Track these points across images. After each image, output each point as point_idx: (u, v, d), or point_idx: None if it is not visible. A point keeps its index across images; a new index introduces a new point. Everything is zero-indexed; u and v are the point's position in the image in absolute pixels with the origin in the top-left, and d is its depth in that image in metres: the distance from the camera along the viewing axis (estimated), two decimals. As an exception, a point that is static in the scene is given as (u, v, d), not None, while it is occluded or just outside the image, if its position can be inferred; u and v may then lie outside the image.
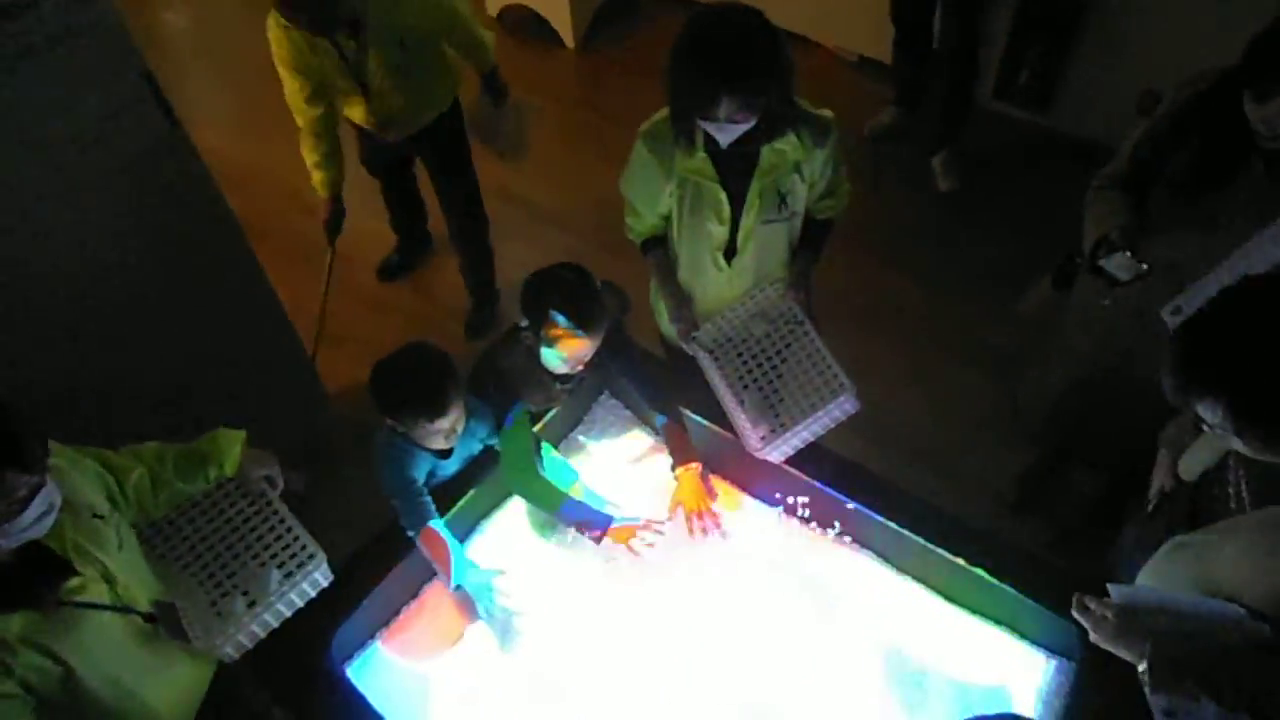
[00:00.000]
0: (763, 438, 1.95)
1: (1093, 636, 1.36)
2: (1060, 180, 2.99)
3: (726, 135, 1.80)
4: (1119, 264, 1.79)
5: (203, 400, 2.55)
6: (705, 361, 2.09)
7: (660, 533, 1.94)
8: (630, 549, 1.91)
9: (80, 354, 2.29)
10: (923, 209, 3.66)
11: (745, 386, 2.04)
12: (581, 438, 2.28)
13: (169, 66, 2.20)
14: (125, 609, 1.46)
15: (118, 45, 2.07)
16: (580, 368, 1.96)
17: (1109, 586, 1.40)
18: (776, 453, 1.97)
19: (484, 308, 3.51)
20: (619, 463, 2.23)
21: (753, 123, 1.77)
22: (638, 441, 2.26)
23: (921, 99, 3.78)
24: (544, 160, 4.11)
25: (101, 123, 2.10)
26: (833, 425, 1.97)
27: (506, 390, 1.98)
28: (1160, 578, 1.44)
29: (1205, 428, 1.23)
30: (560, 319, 1.82)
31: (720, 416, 2.08)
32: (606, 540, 1.92)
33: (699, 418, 2.12)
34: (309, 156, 2.85)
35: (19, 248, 2.08)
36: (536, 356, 1.93)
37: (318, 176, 2.90)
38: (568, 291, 1.84)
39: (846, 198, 2.11)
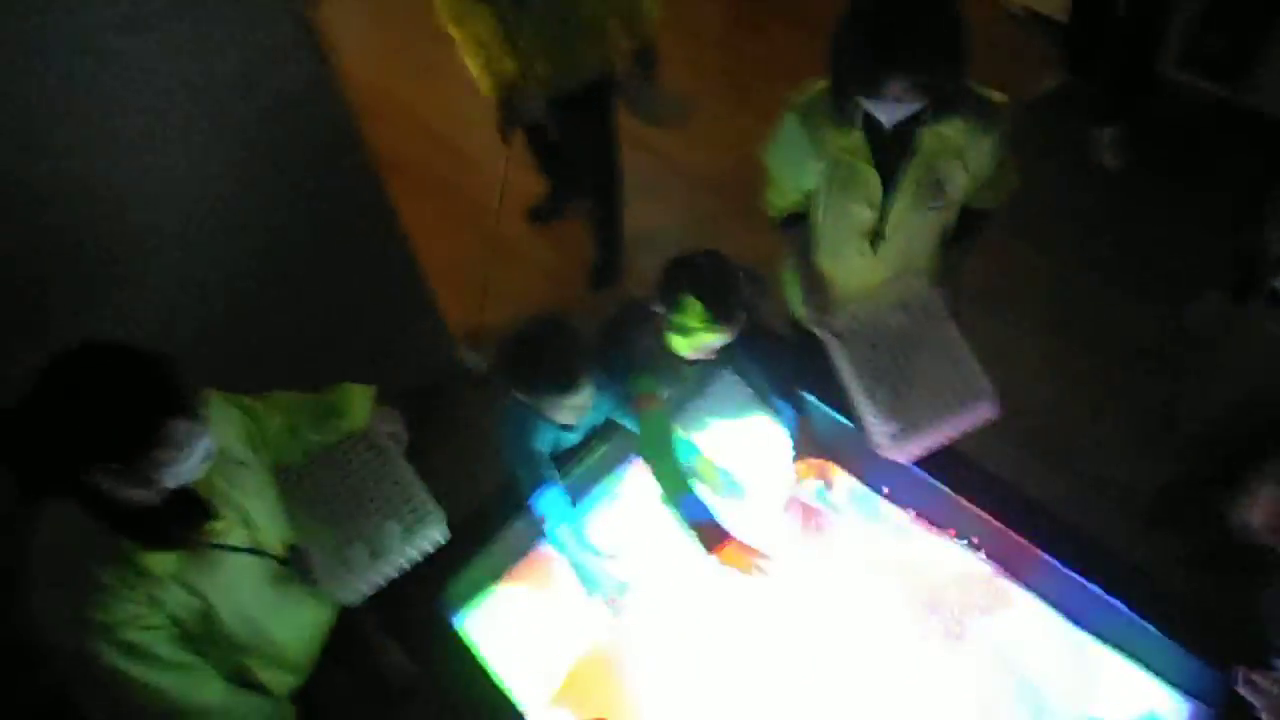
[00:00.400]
0: (892, 435, 1.86)
1: (1263, 712, 1.29)
2: (1250, 167, 2.69)
3: (890, 115, 1.67)
4: None
5: (330, 343, 2.63)
6: (835, 349, 1.99)
7: (769, 561, 1.87)
8: (743, 572, 1.87)
9: (217, 298, 2.38)
10: (1083, 189, 3.36)
11: (877, 380, 1.95)
12: (700, 412, 2.24)
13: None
14: (261, 552, 1.55)
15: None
16: (712, 356, 1.91)
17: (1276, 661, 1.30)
18: (904, 453, 1.87)
19: (610, 263, 3.49)
20: (736, 441, 2.18)
21: (921, 105, 1.63)
22: (756, 421, 2.21)
23: (1094, 63, 3.43)
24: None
25: (255, 65, 2.14)
26: (968, 429, 1.86)
27: (634, 368, 1.95)
28: None
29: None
30: (698, 310, 1.77)
31: (844, 406, 2.00)
32: (718, 559, 1.87)
33: (824, 405, 2.04)
34: (472, 63, 2.79)
35: (173, 190, 2.16)
36: (662, 340, 1.89)
37: (484, 79, 2.81)
38: (708, 286, 1.79)
39: (1010, 189, 1.95)
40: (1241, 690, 1.46)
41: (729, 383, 2.26)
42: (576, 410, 1.83)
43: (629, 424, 2.03)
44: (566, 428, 1.95)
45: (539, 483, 1.90)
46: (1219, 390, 2.20)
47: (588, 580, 1.94)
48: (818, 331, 2.04)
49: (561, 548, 1.93)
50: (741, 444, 2.18)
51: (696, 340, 1.83)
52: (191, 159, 2.16)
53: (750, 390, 2.24)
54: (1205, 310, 2.12)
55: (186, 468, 1.32)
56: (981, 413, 1.82)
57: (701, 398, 2.26)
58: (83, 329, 1.99)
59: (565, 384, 1.76)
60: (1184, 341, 2.67)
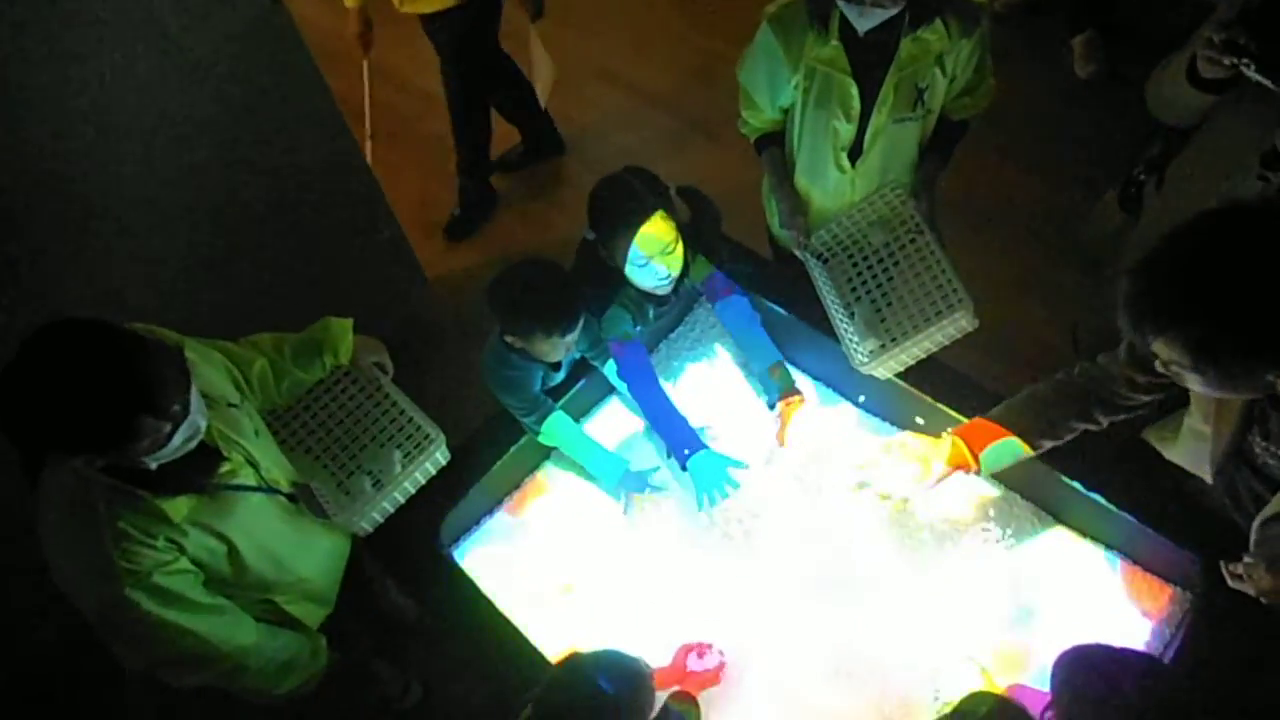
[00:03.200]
0: (872, 352, 1.87)
1: (1259, 597, 1.39)
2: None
3: (869, 20, 1.64)
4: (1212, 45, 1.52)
5: (300, 286, 2.61)
6: (815, 269, 2.00)
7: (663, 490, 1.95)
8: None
9: (180, 243, 2.34)
10: (1056, 98, 3.35)
11: (857, 298, 1.96)
12: (680, 346, 2.24)
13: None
14: (271, 490, 1.56)
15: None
16: (668, 281, 1.86)
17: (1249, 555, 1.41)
18: (883, 369, 1.89)
19: (477, 210, 3.45)
20: (715, 374, 2.20)
21: (898, 9, 1.60)
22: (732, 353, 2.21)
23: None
24: (648, 37, 3.92)
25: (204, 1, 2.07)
26: (946, 342, 1.87)
27: (603, 306, 1.93)
28: None
29: (1162, 369, 1.21)
30: (633, 219, 1.73)
31: (828, 326, 2.00)
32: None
33: (806, 324, 2.05)
34: None
35: (126, 131, 2.10)
36: (621, 276, 1.86)
37: None
38: (632, 187, 1.75)
39: (989, 97, 1.94)
40: (1232, 584, 1.50)
41: (706, 308, 2.25)
42: (569, 347, 1.83)
43: (601, 365, 2.03)
44: (554, 366, 1.95)
45: (545, 415, 1.92)
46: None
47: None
48: (798, 253, 2.04)
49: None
50: (720, 385, 2.18)
51: (639, 244, 1.77)
52: (143, 98, 2.10)
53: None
54: (1100, 223, 2.11)
55: (167, 451, 1.31)
56: (959, 323, 1.82)
57: (680, 325, 2.26)
58: (49, 281, 1.97)
59: (567, 323, 1.74)
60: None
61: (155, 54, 2.06)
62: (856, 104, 1.83)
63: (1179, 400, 1.59)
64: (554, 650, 1.74)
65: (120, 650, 1.45)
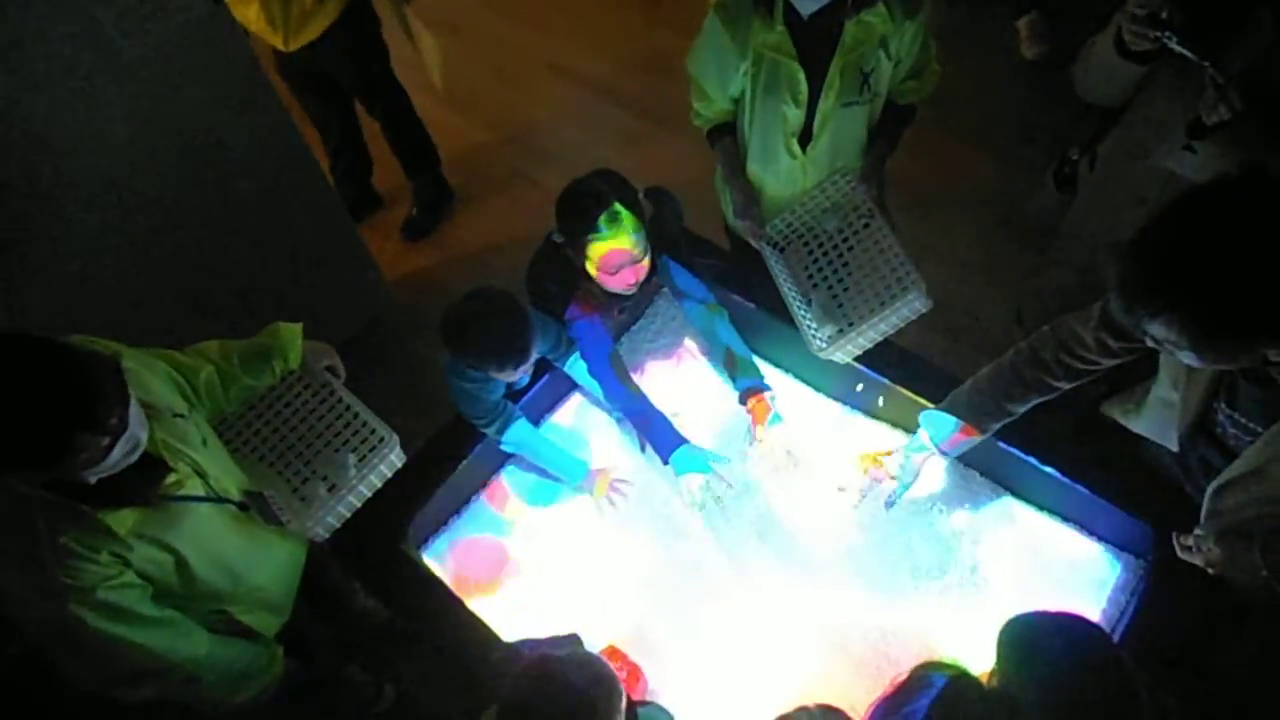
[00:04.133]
0: (829, 338, 1.89)
1: (1208, 568, 1.46)
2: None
3: (812, 2, 1.65)
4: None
5: (256, 292, 2.58)
6: (772, 258, 2.01)
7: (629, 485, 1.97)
8: (609, 500, 1.95)
9: (128, 249, 2.29)
10: (1003, 79, 3.41)
11: (814, 284, 1.98)
12: (641, 339, 2.24)
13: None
14: (220, 499, 1.54)
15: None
16: (631, 286, 1.87)
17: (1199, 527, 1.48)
18: (841, 353, 1.91)
19: (434, 209, 3.40)
20: (678, 367, 2.20)
21: None
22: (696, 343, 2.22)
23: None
24: (598, 30, 3.92)
25: (147, 1, 2.03)
26: (902, 324, 1.89)
27: (561, 302, 1.93)
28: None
29: (1154, 344, 1.22)
30: (601, 228, 1.74)
31: (789, 314, 2.02)
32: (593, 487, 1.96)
33: (767, 313, 2.06)
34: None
35: (69, 135, 2.06)
36: (580, 272, 1.86)
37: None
38: (599, 192, 1.75)
39: (933, 82, 1.96)
40: (1183, 556, 1.55)
41: (669, 298, 2.26)
42: (526, 371, 1.83)
43: (561, 363, 2.03)
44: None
45: (506, 424, 1.92)
46: (1056, 278, 2.15)
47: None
48: (754, 243, 2.06)
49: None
50: (683, 365, 2.20)
51: (604, 249, 1.78)
52: (84, 105, 2.05)
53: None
54: (1043, 198, 2.16)
55: (106, 465, 1.28)
56: (913, 304, 1.84)
57: (642, 316, 2.26)
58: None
59: (518, 358, 1.76)
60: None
61: (98, 59, 2.02)
62: (804, 89, 1.84)
63: (1138, 371, 1.62)
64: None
65: (68, 668, 1.42)
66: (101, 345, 1.42)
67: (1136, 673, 1.15)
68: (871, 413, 2.07)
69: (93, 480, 1.29)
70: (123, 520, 1.36)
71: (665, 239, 1.93)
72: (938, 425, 1.74)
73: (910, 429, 1.90)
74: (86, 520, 1.33)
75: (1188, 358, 1.23)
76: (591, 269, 1.82)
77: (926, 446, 1.77)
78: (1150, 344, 1.26)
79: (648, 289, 2.08)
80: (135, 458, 1.32)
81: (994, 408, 1.67)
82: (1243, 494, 1.44)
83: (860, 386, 2.01)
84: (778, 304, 2.01)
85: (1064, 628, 1.17)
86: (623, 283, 1.84)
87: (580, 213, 1.75)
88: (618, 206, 1.74)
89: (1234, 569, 1.47)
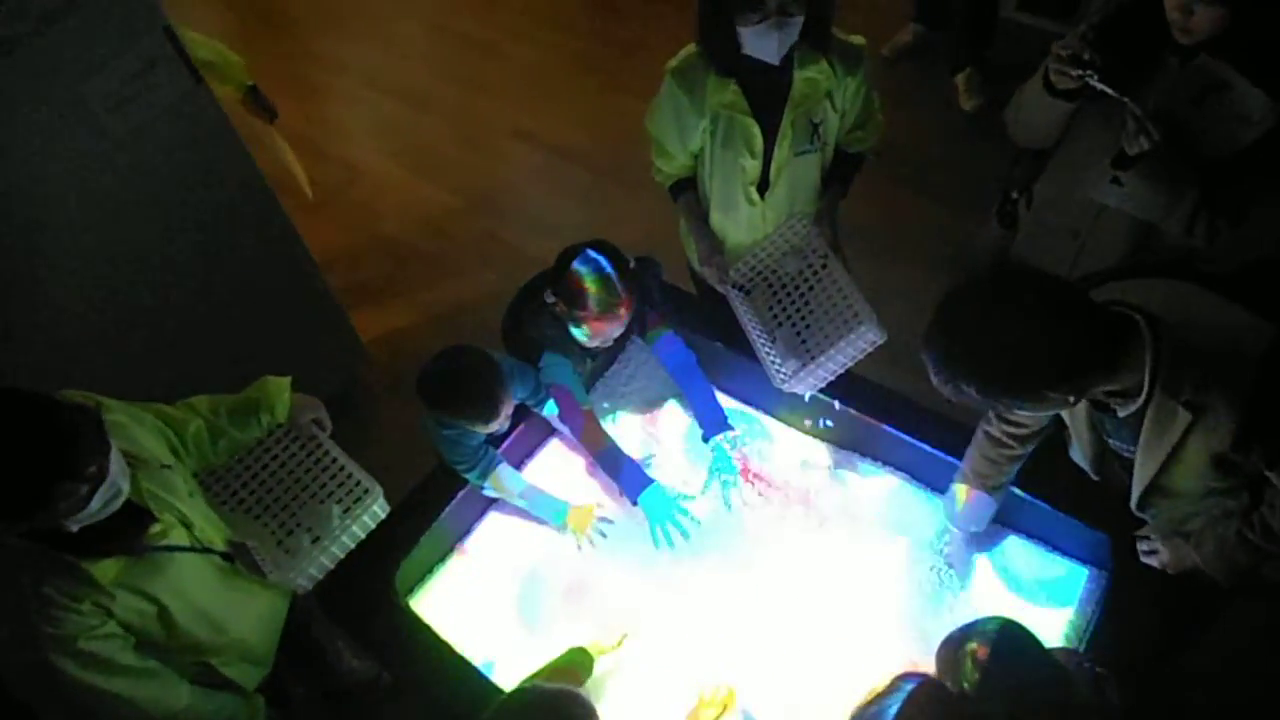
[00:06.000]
0: (793, 372, 1.98)
1: (1166, 569, 1.62)
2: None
3: (778, 39, 1.76)
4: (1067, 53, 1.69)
5: (242, 354, 2.60)
6: (737, 300, 2.11)
7: (610, 521, 2.03)
8: (588, 537, 2.01)
9: (120, 316, 2.35)
10: (947, 130, 3.62)
11: (778, 323, 2.07)
12: (615, 384, 2.31)
13: (177, 19, 2.21)
14: (205, 549, 1.55)
15: (140, 2, 2.07)
16: (609, 343, 1.97)
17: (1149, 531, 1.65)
18: (802, 385, 1.99)
19: None
20: (651, 411, 2.27)
21: (800, 21, 1.74)
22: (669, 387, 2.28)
23: (944, 14, 3.68)
24: (558, 95, 4.08)
25: (131, 81, 2.12)
26: (860, 356, 1.97)
27: (539, 355, 2.01)
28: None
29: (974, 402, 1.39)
30: (590, 304, 1.83)
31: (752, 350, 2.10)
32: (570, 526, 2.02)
33: (735, 353, 2.15)
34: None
35: (53, 212, 2.12)
36: (564, 327, 1.95)
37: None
38: (599, 274, 1.84)
39: (879, 131, 2.10)
40: (1144, 560, 1.67)
41: (639, 345, 2.35)
42: (502, 425, 1.89)
43: (539, 408, 2.09)
44: None
45: (488, 469, 1.97)
46: None
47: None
48: (719, 288, 2.15)
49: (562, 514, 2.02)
50: (656, 411, 2.27)
51: (590, 329, 1.89)
52: (74, 179, 2.12)
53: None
54: (984, 244, 2.31)
55: (86, 514, 1.30)
56: (867, 337, 1.93)
57: (615, 362, 2.33)
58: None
59: (491, 414, 1.82)
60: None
61: (82, 137, 2.10)
62: (759, 141, 1.97)
63: None
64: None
65: (49, 718, 1.42)
66: (84, 398, 1.46)
67: (1068, 663, 1.29)
68: (839, 443, 2.15)
69: (75, 529, 1.30)
70: (106, 570, 1.38)
71: (646, 296, 2.04)
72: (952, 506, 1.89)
73: (874, 455, 2.00)
74: (69, 569, 1.34)
75: (1002, 410, 1.40)
76: (575, 330, 1.92)
77: (951, 530, 1.93)
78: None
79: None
80: (117, 506, 1.34)
81: (991, 486, 1.83)
82: (1158, 504, 1.57)
83: (829, 422, 2.11)
84: (743, 343, 2.10)
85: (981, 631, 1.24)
86: (604, 342, 1.95)
87: (581, 294, 1.84)
88: (617, 294, 1.84)
89: (1184, 566, 1.57)
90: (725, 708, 1.74)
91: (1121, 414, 1.43)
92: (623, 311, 1.87)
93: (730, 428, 2.09)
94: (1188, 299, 1.40)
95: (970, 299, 1.35)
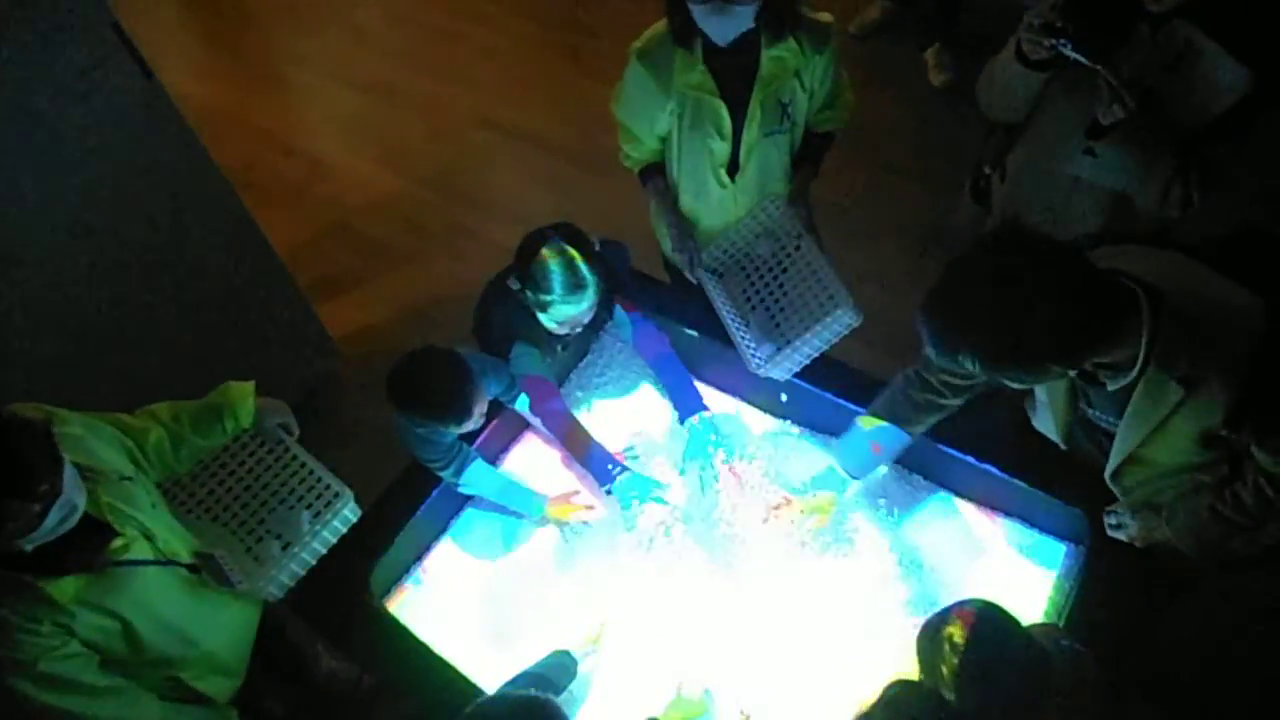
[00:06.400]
0: (768, 356, 1.96)
1: (1135, 543, 1.61)
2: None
3: (724, 24, 1.74)
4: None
5: (207, 356, 2.56)
6: (711, 285, 2.09)
7: (591, 509, 1.99)
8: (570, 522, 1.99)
9: (77, 322, 2.28)
10: (918, 107, 3.59)
11: (752, 307, 2.05)
12: (589, 375, 2.28)
13: (130, 13, 2.15)
14: (169, 562, 1.51)
15: (86, -1, 2.00)
16: (578, 329, 1.93)
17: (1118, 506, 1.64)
18: (778, 370, 1.97)
19: None
20: (627, 401, 2.24)
21: (750, 9, 1.71)
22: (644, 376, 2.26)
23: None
24: (525, 82, 4.02)
25: (79, 79, 2.05)
26: (835, 339, 1.95)
27: (509, 347, 1.97)
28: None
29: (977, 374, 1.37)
30: (555, 286, 1.79)
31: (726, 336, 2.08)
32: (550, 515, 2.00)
33: (709, 339, 2.12)
34: None
35: (5, 213, 2.05)
36: (533, 315, 1.91)
37: None
38: (563, 257, 1.79)
39: (848, 110, 2.07)
40: (1111, 534, 1.67)
41: (614, 333, 2.32)
42: (476, 422, 1.85)
43: (512, 403, 2.06)
44: None
45: (462, 466, 1.93)
46: None
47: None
48: (689, 275, 2.12)
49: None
50: (632, 399, 2.24)
51: (558, 313, 1.85)
52: (25, 175, 2.06)
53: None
54: (962, 212, 2.30)
55: (41, 532, 1.27)
56: (844, 320, 1.90)
57: (588, 354, 2.30)
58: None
59: (462, 415, 1.78)
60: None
61: (32, 137, 2.03)
62: (728, 123, 1.94)
63: None
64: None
65: None
66: (34, 410, 1.41)
67: (1045, 640, 1.29)
68: (814, 427, 2.13)
69: (29, 549, 1.27)
70: (65, 588, 1.34)
71: (614, 281, 2.00)
72: (851, 455, 1.85)
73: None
74: (26, 590, 1.31)
75: (1004, 382, 1.38)
76: (543, 317, 1.88)
77: (847, 479, 1.88)
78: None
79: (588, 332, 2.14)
80: (73, 523, 1.31)
81: (914, 414, 1.77)
82: (1133, 477, 1.57)
83: (784, 397, 2.09)
84: (718, 330, 2.07)
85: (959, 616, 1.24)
86: (571, 330, 1.92)
87: (543, 279, 1.80)
88: (582, 275, 1.80)
89: (1154, 539, 1.57)
90: (700, 712, 1.72)
91: (1111, 387, 1.41)
92: (589, 294, 1.82)
93: (705, 408, 2.05)
94: (1182, 270, 1.38)
95: (973, 269, 1.30)
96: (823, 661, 1.80)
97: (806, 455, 2.09)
